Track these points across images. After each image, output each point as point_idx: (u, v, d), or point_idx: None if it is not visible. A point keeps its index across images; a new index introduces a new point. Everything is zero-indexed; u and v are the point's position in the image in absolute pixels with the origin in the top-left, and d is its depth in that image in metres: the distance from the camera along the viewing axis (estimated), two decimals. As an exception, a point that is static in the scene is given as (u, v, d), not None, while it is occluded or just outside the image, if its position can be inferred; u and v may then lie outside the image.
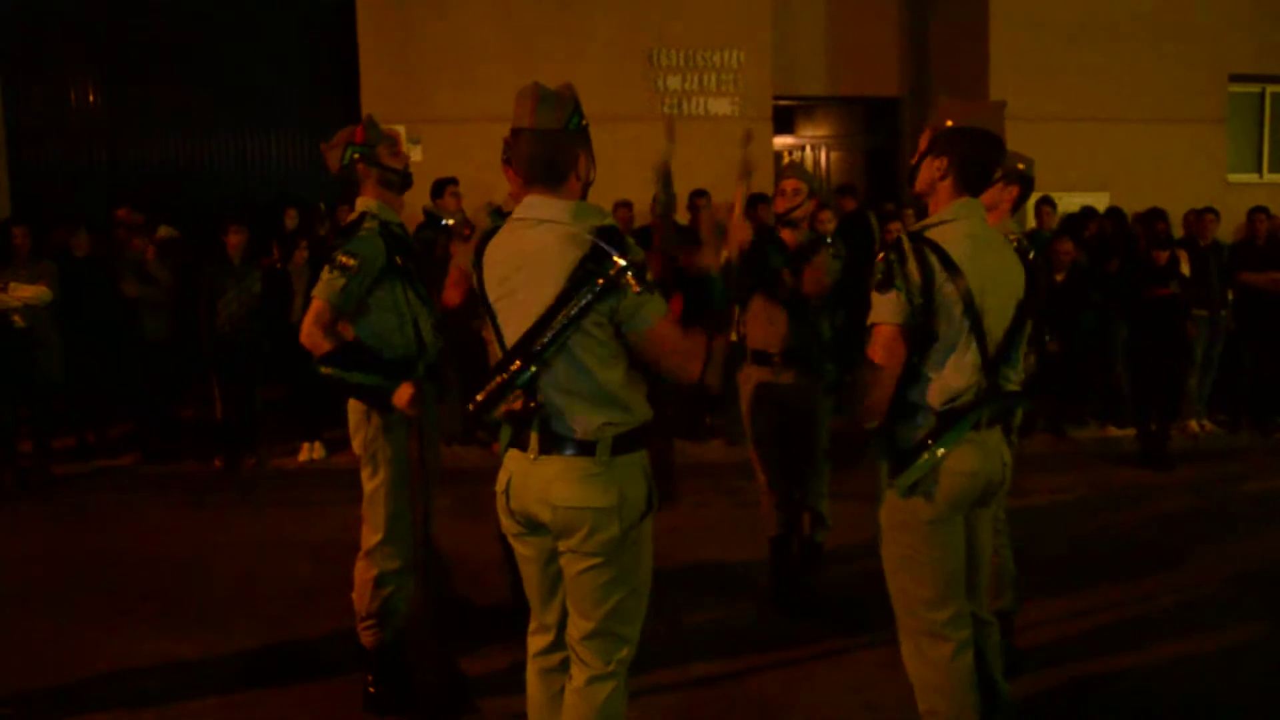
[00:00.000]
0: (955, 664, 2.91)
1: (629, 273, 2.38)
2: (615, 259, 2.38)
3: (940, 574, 2.89)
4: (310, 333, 3.42)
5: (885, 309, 2.77)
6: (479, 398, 2.52)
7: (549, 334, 2.42)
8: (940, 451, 2.80)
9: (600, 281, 2.38)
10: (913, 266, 2.74)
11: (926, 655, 2.94)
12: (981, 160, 2.86)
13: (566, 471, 2.50)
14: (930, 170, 2.88)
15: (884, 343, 2.78)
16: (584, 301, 2.39)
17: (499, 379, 2.48)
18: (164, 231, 8.09)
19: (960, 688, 2.91)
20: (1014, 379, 2.98)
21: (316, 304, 3.43)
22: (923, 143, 2.93)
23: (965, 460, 2.83)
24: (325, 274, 3.45)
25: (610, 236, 2.41)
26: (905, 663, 3.01)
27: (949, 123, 2.84)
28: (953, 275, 2.73)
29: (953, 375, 2.80)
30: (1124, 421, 8.27)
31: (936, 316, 2.76)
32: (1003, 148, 2.92)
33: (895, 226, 8.03)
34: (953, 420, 2.81)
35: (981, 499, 2.94)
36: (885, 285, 2.76)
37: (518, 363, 2.46)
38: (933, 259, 2.74)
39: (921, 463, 2.81)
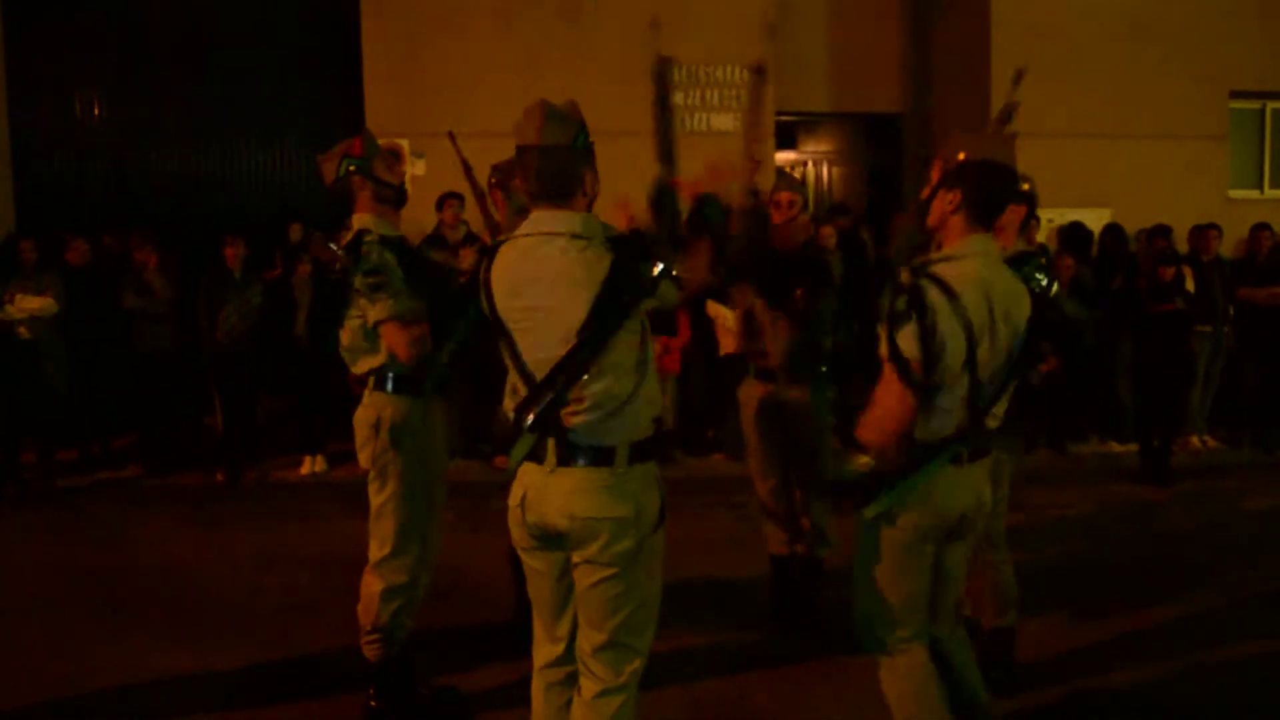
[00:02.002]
0: (918, 676, 2.94)
1: (667, 276, 2.50)
2: (652, 264, 2.48)
3: (900, 597, 2.91)
4: (407, 353, 3.43)
5: (905, 344, 2.68)
6: (530, 416, 2.53)
7: (592, 343, 2.46)
8: (907, 484, 2.79)
9: (644, 285, 2.48)
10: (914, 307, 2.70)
11: (894, 669, 2.97)
12: (994, 194, 2.84)
13: (585, 482, 2.52)
14: (943, 204, 2.85)
15: (896, 388, 2.70)
16: (626, 306, 2.46)
17: (549, 395, 2.50)
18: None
19: (927, 696, 2.93)
20: (998, 415, 2.95)
21: (388, 330, 3.42)
22: (934, 175, 2.90)
23: (939, 495, 2.82)
24: (366, 304, 3.43)
25: (626, 244, 2.50)
26: (880, 680, 3.03)
27: (962, 156, 2.83)
28: (955, 306, 2.68)
29: (941, 409, 2.77)
30: (1125, 437, 8.27)
31: (936, 352, 2.71)
32: (1015, 180, 2.91)
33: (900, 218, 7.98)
34: (931, 454, 2.79)
35: (955, 532, 2.92)
36: (900, 319, 2.69)
37: (563, 377, 2.48)
38: (934, 292, 2.68)
39: (888, 496, 2.80)
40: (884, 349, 2.71)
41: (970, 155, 2.82)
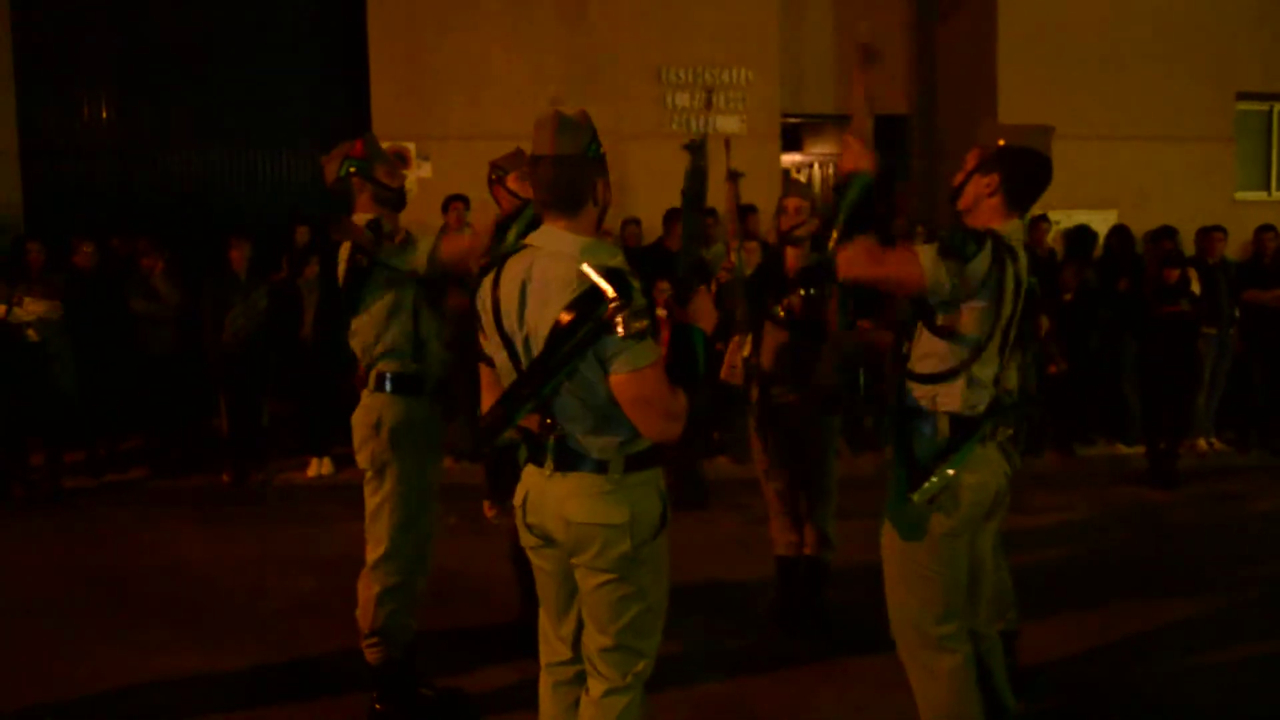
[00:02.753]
0: (959, 677, 2.92)
1: (620, 315, 2.33)
2: (609, 300, 2.34)
3: (947, 588, 2.91)
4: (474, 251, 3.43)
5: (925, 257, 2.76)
6: (481, 425, 2.54)
7: (548, 370, 2.41)
8: (958, 464, 2.82)
9: (592, 323, 2.34)
10: (991, 262, 2.76)
11: (931, 669, 2.95)
12: (1031, 180, 2.92)
13: (580, 488, 2.52)
14: (979, 186, 2.91)
15: (910, 262, 2.78)
16: (578, 339, 2.36)
17: (501, 410, 2.49)
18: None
19: (964, 701, 2.92)
20: (1011, 391, 3.03)
21: (452, 240, 3.47)
22: (970, 160, 2.96)
23: (978, 473, 2.86)
24: (400, 247, 3.49)
25: (615, 278, 2.38)
26: (910, 678, 3.01)
27: (1001, 142, 2.90)
28: (1015, 271, 2.78)
29: (978, 381, 2.84)
30: (1132, 439, 8.25)
31: (986, 316, 2.79)
32: (1050, 170, 2.95)
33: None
34: (969, 431, 2.84)
35: (989, 512, 2.96)
36: (961, 255, 2.74)
37: (523, 392, 2.46)
38: (1008, 261, 2.78)
39: (940, 477, 2.82)
40: (923, 258, 2.75)
41: (1010, 141, 2.89)
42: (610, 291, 2.34)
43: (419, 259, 3.46)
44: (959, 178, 2.98)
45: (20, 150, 10.01)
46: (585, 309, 2.35)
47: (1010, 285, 2.78)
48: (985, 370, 2.85)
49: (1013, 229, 2.90)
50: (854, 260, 2.82)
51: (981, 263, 2.73)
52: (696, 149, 2.80)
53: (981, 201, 2.91)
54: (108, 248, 8.26)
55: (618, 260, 2.48)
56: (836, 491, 4.58)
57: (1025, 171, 2.89)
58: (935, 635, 2.92)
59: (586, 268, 2.39)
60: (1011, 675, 3.89)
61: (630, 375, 2.38)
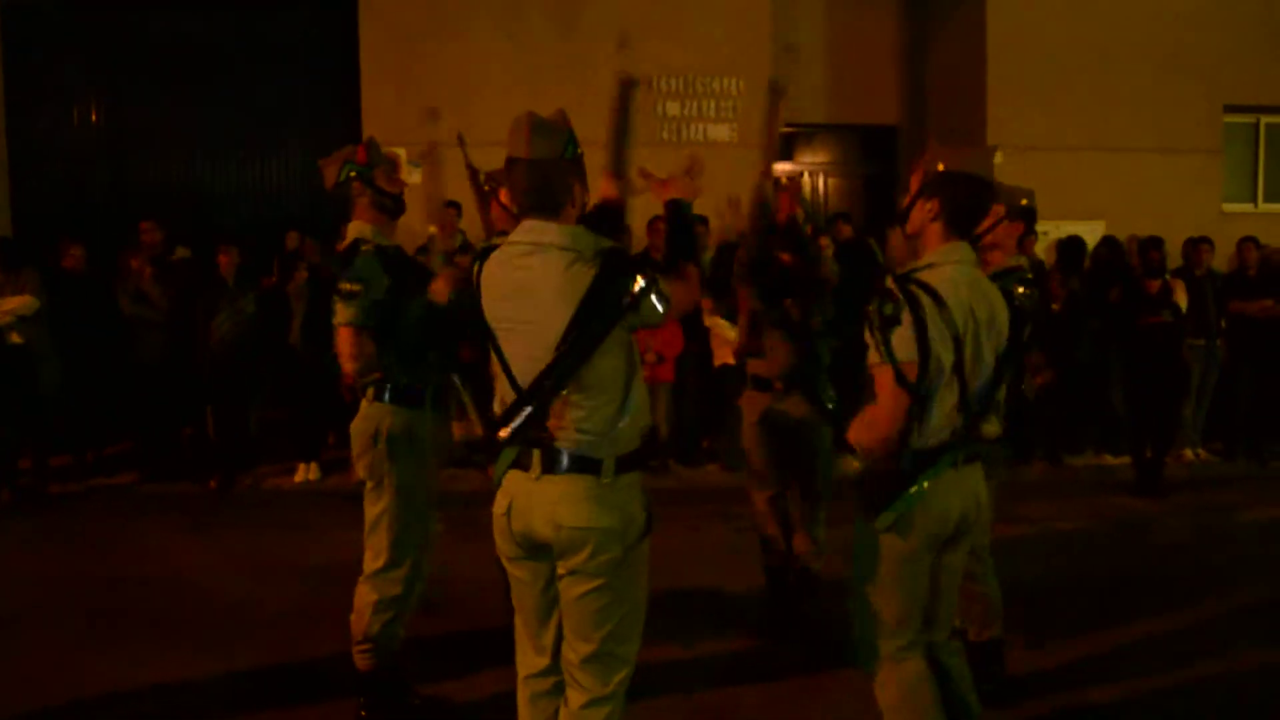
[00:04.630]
0: (908, 686, 2.93)
1: (650, 293, 2.45)
2: (637, 278, 2.44)
3: (898, 606, 2.91)
4: (347, 365, 3.45)
5: (898, 346, 2.71)
6: (507, 430, 2.54)
7: (571, 356, 2.44)
8: (914, 491, 2.80)
9: (626, 300, 2.44)
10: (905, 310, 2.72)
11: (888, 678, 2.96)
12: (971, 204, 2.89)
13: (571, 491, 2.51)
14: (922, 212, 2.91)
15: (889, 390, 2.73)
16: (606, 321, 2.43)
17: (528, 409, 2.50)
18: (180, 252, 8.15)
19: (915, 710, 2.93)
20: (995, 423, 2.99)
21: (341, 334, 3.44)
22: (914, 185, 2.96)
23: (941, 500, 2.83)
24: (337, 305, 3.45)
25: (617, 256, 2.45)
26: (874, 689, 3.03)
27: (940, 166, 2.88)
28: (943, 312, 2.73)
29: (934, 415, 2.79)
30: (1120, 449, 8.28)
31: (927, 356, 2.74)
32: (992, 191, 2.95)
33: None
34: (929, 460, 2.81)
35: (954, 537, 2.94)
36: (890, 323, 2.72)
37: (543, 391, 2.48)
38: (924, 298, 2.73)
39: (899, 504, 2.81)
40: (873, 356, 2.74)
41: (948, 166, 2.88)
42: (633, 272, 2.44)
43: (343, 316, 3.44)
44: (904, 201, 2.98)
45: (9, 154, 9.97)
46: (606, 291, 2.42)
47: (936, 333, 2.71)
48: (943, 404, 2.79)
49: (956, 251, 2.86)
50: (863, 432, 2.82)
51: (907, 318, 2.71)
52: (627, 85, 3.00)
53: (926, 226, 2.91)
54: (99, 250, 8.20)
55: (606, 240, 2.55)
56: (830, 497, 4.58)
57: (963, 197, 2.86)
58: (887, 648, 2.94)
59: (590, 255, 2.46)
60: (998, 684, 3.91)
61: (667, 315, 2.52)
